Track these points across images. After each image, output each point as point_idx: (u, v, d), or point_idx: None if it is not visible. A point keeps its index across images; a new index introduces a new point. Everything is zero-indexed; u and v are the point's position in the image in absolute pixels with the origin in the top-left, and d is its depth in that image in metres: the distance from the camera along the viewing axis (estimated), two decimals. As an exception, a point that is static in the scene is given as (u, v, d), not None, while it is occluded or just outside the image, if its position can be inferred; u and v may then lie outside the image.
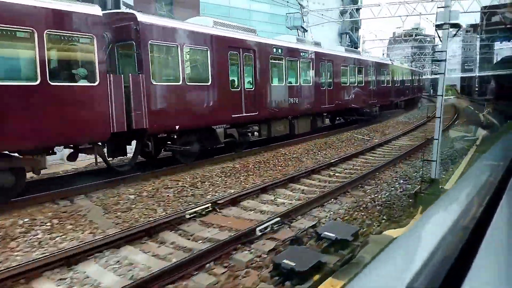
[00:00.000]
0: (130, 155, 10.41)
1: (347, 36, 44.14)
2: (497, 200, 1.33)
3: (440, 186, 7.26)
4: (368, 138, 17.55)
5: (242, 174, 10.32)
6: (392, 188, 8.56)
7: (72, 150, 9.07)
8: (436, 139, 8.13)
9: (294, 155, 12.95)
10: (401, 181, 9.23)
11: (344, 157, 12.31)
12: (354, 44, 42.88)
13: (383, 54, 47.92)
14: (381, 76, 24.80)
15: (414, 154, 12.78)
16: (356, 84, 21.11)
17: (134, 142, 10.36)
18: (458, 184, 1.77)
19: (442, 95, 8.21)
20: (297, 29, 25.06)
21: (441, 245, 0.92)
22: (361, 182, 9.14)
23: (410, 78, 34.04)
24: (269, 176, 10.16)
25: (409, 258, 0.90)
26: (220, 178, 9.81)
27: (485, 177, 1.59)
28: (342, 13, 32.10)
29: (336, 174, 10.36)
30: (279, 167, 11.32)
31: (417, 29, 52.68)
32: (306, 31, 24.42)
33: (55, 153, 8.87)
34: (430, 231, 1.06)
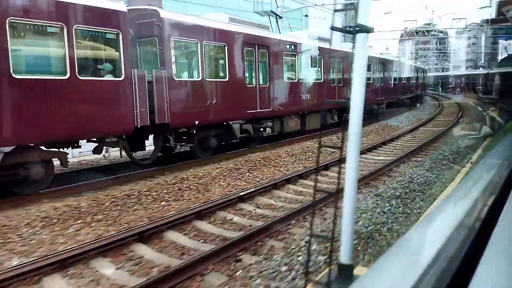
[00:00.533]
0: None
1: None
2: (503, 200, 1.32)
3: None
4: (333, 150, 12.05)
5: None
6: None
7: (93, 144, 9.27)
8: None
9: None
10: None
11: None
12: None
13: (387, 49, 47.67)
14: (387, 73, 24.93)
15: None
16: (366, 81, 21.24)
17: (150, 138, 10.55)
18: (462, 183, 1.55)
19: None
20: (268, 15, 18.81)
21: (447, 245, 0.90)
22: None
23: (415, 75, 34.18)
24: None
25: (414, 258, 0.88)
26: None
27: (490, 176, 1.55)
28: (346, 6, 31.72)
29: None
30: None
31: (429, 24, 51.51)
32: (280, 17, 18.80)
33: (79, 147, 9.06)
34: (435, 231, 1.03)
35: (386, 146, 14.33)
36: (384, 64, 24.34)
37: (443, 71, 71.23)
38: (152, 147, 10.78)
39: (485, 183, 1.43)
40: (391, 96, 25.69)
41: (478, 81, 42.94)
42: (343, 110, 20.76)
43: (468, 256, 0.97)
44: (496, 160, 2.08)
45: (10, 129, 6.99)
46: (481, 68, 53.05)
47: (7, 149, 6.99)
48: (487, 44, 55.19)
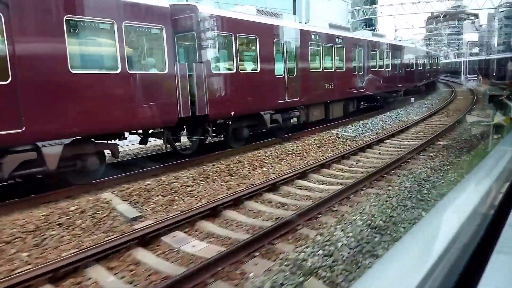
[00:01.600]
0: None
1: (360, 12, 38.48)
2: None
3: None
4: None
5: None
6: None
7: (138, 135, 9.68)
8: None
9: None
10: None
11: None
12: (369, 21, 39.62)
13: (395, 33, 46.80)
14: (405, 60, 24.97)
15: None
16: (384, 68, 21.40)
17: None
18: (476, 170, 1.51)
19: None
20: None
21: (460, 233, 0.89)
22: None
23: (430, 61, 34.08)
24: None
25: (428, 246, 0.87)
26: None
27: (504, 162, 1.51)
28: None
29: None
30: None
31: (458, 7, 47.71)
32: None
33: (125, 138, 9.48)
34: (448, 219, 1.02)
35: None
36: (401, 51, 24.39)
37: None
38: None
39: (499, 170, 1.39)
40: (409, 83, 25.76)
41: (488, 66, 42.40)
42: (362, 99, 21.13)
43: (482, 244, 0.96)
44: (510, 147, 2.04)
45: (70, 122, 7.39)
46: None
47: (67, 141, 7.40)
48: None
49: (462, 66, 51.76)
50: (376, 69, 20.47)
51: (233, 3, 18.42)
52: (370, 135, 14.52)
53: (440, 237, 0.88)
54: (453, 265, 0.81)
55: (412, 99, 23.03)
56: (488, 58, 44.48)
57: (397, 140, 13.38)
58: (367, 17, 38.37)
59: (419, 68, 28.61)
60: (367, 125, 16.31)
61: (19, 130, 6.64)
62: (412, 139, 13.63)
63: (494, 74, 36.71)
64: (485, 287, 0.72)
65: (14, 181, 7.45)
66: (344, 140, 13.59)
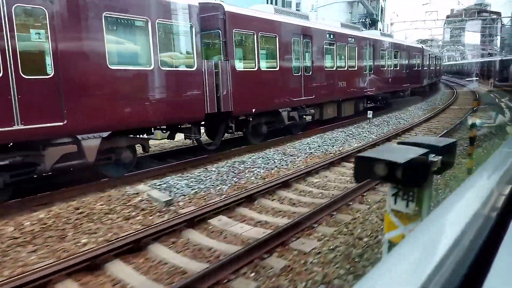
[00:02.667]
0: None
1: (358, 4, 37.38)
2: None
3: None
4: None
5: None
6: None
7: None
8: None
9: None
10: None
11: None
12: (370, 16, 37.82)
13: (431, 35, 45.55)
14: (411, 60, 25.25)
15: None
16: (392, 68, 21.68)
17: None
18: (478, 172, 1.53)
19: None
20: None
21: (463, 235, 0.88)
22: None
23: (434, 62, 34.40)
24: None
25: (430, 248, 0.86)
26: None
27: (507, 165, 1.48)
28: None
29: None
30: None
31: (480, 5, 45.13)
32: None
33: (152, 133, 9.69)
34: (450, 221, 1.01)
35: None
36: (409, 51, 24.66)
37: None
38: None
39: (502, 172, 1.36)
40: (415, 82, 26.06)
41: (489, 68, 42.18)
42: (371, 98, 21.29)
43: (485, 246, 0.94)
44: None
45: (107, 115, 7.61)
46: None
47: (105, 134, 7.62)
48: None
49: (473, 67, 50.46)
50: (385, 68, 20.75)
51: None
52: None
53: (443, 239, 0.87)
54: (456, 267, 0.80)
55: (370, 114, 16.39)
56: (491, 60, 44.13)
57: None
58: (365, 14, 37.59)
59: (425, 69, 28.91)
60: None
61: (61, 123, 6.87)
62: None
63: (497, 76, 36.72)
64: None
65: (53, 173, 7.64)
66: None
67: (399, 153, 2.29)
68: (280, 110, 12.56)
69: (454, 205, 1.11)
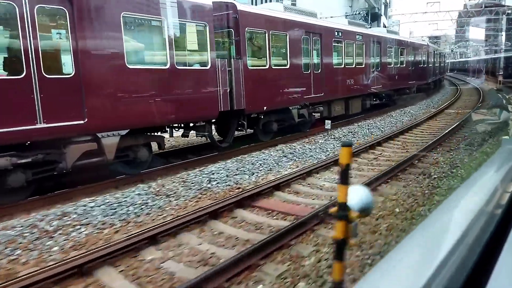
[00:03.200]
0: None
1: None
2: None
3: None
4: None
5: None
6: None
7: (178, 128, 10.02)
8: None
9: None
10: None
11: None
12: (372, 10, 36.96)
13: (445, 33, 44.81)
14: (417, 57, 25.28)
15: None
16: (399, 65, 21.72)
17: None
18: (482, 169, 1.52)
19: None
20: None
21: (467, 233, 0.87)
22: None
23: (439, 59, 34.41)
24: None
25: (434, 246, 0.86)
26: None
27: (511, 162, 1.47)
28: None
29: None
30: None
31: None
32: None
33: (166, 131, 9.83)
34: (455, 219, 1.00)
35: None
36: (414, 48, 24.67)
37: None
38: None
39: (506, 169, 1.36)
40: (421, 79, 26.10)
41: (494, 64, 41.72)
42: (377, 95, 21.28)
43: (490, 244, 0.93)
44: None
45: (126, 114, 7.72)
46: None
47: (123, 132, 7.73)
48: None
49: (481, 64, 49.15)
50: (392, 65, 20.80)
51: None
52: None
53: (447, 236, 0.86)
54: (460, 264, 0.79)
55: (328, 124, 12.55)
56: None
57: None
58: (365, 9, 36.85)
59: (430, 65, 28.94)
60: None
61: (82, 121, 6.98)
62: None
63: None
64: (494, 285, 0.70)
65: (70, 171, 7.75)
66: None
67: None
68: (290, 107, 12.65)
69: (458, 202, 1.11)
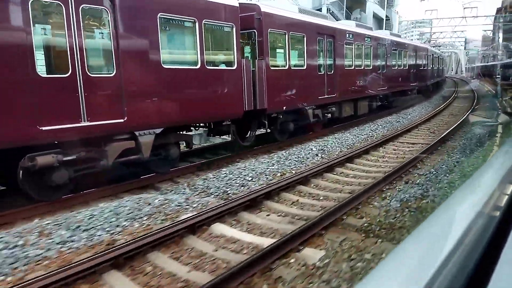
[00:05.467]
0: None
1: None
2: None
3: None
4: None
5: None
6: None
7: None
8: None
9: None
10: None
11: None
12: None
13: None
14: (419, 60, 25.74)
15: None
16: (402, 67, 22.12)
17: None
18: (481, 170, 1.51)
19: None
20: None
21: (466, 235, 0.86)
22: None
23: (438, 62, 35.01)
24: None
25: (432, 249, 0.85)
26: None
27: (510, 163, 1.46)
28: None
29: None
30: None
31: None
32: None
33: (191, 130, 9.98)
34: (453, 220, 1.00)
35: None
36: (416, 51, 25.12)
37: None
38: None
39: (505, 171, 1.34)
40: (422, 82, 26.57)
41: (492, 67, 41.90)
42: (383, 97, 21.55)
43: (489, 245, 0.93)
44: None
45: (161, 113, 7.86)
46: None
47: (158, 130, 7.87)
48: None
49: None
50: (396, 67, 21.18)
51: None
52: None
53: (446, 237, 0.86)
54: (461, 266, 0.79)
55: (251, 137, 11.10)
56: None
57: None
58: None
59: (429, 68, 29.46)
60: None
61: (122, 120, 7.11)
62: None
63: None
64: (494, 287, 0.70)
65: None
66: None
67: None
68: (307, 107, 12.88)
69: (457, 204, 1.10)
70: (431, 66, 30.06)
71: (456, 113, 20.07)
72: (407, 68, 22.95)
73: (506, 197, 1.20)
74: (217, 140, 13.26)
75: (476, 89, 34.85)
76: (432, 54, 31.03)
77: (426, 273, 0.70)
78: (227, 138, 11.93)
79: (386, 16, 41.05)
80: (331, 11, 27.60)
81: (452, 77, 62.65)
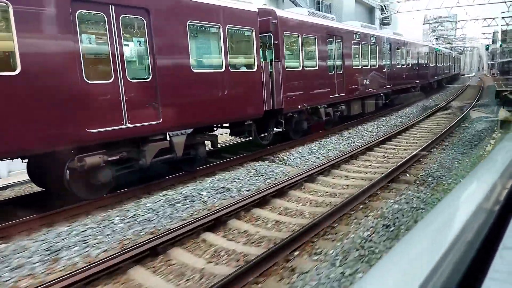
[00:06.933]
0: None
1: None
2: None
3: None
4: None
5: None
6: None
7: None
8: None
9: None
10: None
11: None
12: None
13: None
14: (421, 58, 26.29)
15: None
16: (405, 65, 22.66)
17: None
18: (481, 165, 1.56)
19: None
20: None
21: (465, 229, 0.87)
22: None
23: (442, 59, 35.63)
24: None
25: (433, 242, 0.86)
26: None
27: (509, 159, 1.48)
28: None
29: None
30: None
31: None
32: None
33: (214, 130, 10.44)
34: (453, 215, 1.01)
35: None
36: (418, 49, 25.66)
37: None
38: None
39: (504, 166, 1.36)
40: (424, 80, 27.13)
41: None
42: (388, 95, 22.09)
43: (487, 240, 0.95)
44: None
45: (191, 114, 8.33)
46: None
47: (189, 131, 8.34)
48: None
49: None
50: (400, 66, 21.72)
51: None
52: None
53: (445, 233, 0.87)
54: (458, 261, 0.80)
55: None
56: None
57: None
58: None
59: (432, 64, 30.01)
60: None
61: (158, 122, 7.58)
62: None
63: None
64: (491, 281, 0.72)
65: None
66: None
67: None
68: (319, 106, 13.37)
69: (458, 199, 1.11)
70: (435, 63, 30.61)
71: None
72: (410, 66, 23.49)
73: (505, 191, 1.21)
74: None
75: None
76: (436, 51, 31.58)
77: (425, 268, 0.70)
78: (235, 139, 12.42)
79: (383, 8, 37.48)
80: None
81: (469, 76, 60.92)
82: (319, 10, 28.21)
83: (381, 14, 37.08)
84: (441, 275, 0.72)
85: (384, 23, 37.71)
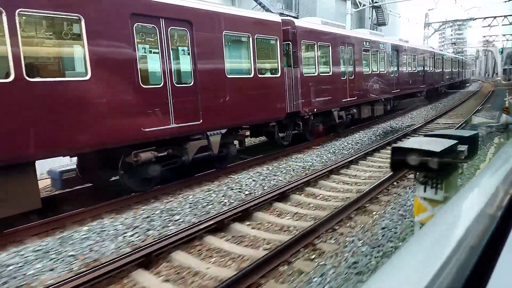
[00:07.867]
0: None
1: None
2: None
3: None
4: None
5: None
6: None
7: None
8: None
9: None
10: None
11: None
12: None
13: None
14: (426, 63, 27.21)
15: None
16: (411, 71, 23.60)
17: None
18: (483, 171, 1.57)
19: None
20: None
21: (467, 235, 0.87)
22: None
23: (450, 64, 36.61)
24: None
25: (434, 248, 0.86)
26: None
27: (511, 164, 1.46)
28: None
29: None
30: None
31: None
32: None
33: (239, 132, 11.32)
34: (455, 220, 1.01)
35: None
36: (423, 54, 26.60)
37: None
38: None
39: (506, 171, 1.36)
40: (429, 85, 28.07)
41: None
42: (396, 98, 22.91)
43: (490, 245, 0.93)
44: None
45: (226, 115, 9.22)
46: None
47: (223, 130, 9.23)
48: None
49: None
50: (406, 71, 22.64)
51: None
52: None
53: (448, 238, 0.87)
54: (461, 266, 0.80)
55: None
56: None
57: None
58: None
59: (437, 70, 30.95)
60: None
61: (198, 122, 8.46)
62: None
63: None
64: (494, 286, 0.72)
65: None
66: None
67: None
68: (332, 110, 14.27)
69: (459, 205, 1.12)
70: (441, 69, 31.54)
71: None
72: (416, 71, 24.43)
73: (508, 197, 1.20)
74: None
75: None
76: (442, 57, 32.50)
77: (428, 273, 0.72)
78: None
79: (377, 3, 35.94)
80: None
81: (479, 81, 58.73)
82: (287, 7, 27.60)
83: (376, 14, 36.79)
84: (444, 279, 0.73)
85: (380, 23, 36.75)
